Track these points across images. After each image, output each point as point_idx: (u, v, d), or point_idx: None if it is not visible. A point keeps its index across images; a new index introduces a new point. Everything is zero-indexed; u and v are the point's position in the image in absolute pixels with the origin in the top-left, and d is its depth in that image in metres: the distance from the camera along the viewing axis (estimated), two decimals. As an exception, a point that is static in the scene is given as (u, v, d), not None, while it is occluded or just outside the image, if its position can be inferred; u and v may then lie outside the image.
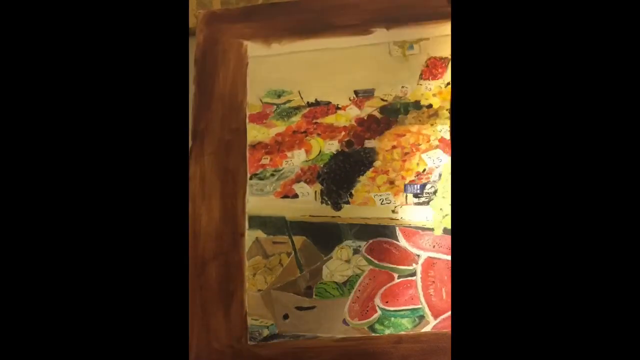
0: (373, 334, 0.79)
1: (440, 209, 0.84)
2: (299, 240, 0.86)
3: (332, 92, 0.93)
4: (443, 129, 0.88)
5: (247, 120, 0.93)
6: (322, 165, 0.90)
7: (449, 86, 0.91)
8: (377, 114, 0.92)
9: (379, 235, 0.84)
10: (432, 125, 0.89)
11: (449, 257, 0.81)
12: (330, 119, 0.92)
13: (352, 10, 0.96)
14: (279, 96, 0.95)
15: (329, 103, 0.93)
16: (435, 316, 0.79)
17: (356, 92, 0.93)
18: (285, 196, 0.89)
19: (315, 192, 0.88)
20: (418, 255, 0.82)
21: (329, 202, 0.87)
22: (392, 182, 0.87)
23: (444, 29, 0.92)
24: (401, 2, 0.95)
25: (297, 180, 0.89)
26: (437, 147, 0.88)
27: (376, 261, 0.83)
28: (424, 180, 0.86)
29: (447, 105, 0.90)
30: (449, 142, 0.87)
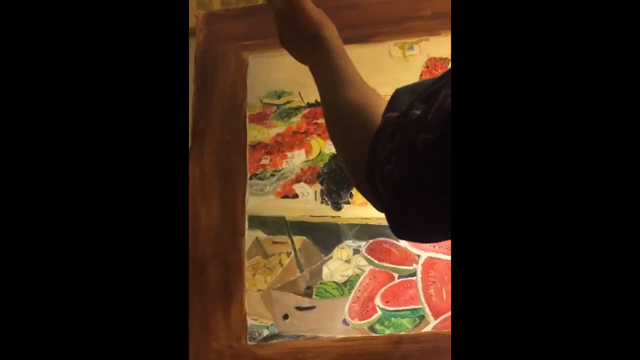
0: (373, 334, 0.79)
1: (441, 209, 0.83)
2: (299, 240, 0.86)
3: (332, 92, 0.93)
4: (443, 129, 0.88)
5: (247, 121, 0.93)
6: (322, 166, 0.90)
7: (449, 86, 0.90)
8: (377, 114, 0.91)
9: (379, 235, 0.84)
10: (432, 125, 0.89)
11: (449, 257, 0.81)
12: (330, 119, 0.92)
13: (352, 10, 0.96)
14: (279, 97, 0.95)
15: (329, 103, 0.93)
16: (436, 316, 0.79)
17: (356, 92, 0.93)
18: (285, 196, 0.89)
19: (315, 192, 0.88)
20: (418, 256, 0.82)
21: (329, 202, 0.87)
22: (392, 182, 0.87)
23: (444, 29, 0.92)
24: (401, 2, 0.95)
25: (297, 180, 0.89)
26: (437, 147, 0.87)
27: (376, 261, 0.83)
28: (424, 181, 0.86)
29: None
30: (449, 142, 0.87)
